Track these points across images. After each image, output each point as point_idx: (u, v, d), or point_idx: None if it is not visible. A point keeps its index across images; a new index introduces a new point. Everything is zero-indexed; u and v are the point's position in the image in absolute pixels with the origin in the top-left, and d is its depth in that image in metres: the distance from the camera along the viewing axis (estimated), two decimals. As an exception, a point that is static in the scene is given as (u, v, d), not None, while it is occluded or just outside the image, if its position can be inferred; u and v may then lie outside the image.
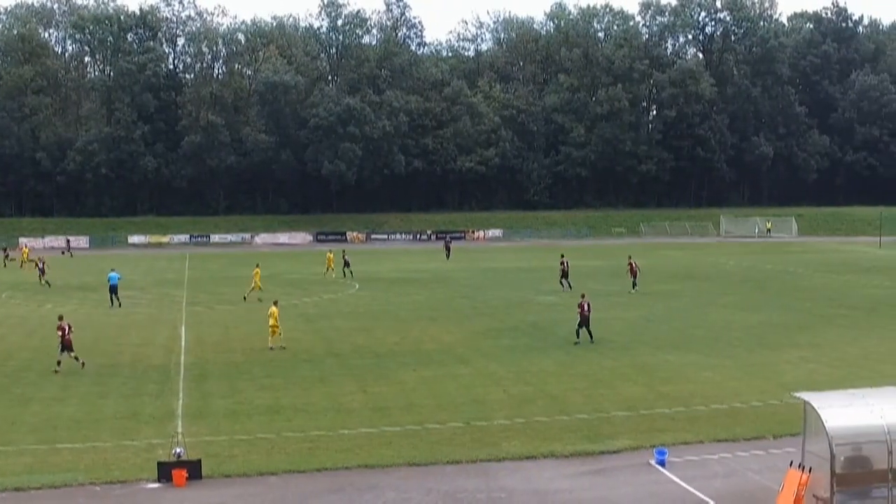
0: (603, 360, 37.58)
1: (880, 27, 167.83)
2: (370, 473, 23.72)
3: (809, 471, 20.32)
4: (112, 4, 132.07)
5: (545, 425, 27.83)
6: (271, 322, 40.17)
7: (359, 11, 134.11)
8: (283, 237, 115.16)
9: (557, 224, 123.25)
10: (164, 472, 23.02)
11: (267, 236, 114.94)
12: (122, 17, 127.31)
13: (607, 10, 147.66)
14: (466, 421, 28.24)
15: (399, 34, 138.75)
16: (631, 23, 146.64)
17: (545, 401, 30.81)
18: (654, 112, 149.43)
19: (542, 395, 31.61)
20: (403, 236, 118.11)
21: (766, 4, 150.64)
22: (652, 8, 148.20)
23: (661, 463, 24.08)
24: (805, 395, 21.46)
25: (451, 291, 51.19)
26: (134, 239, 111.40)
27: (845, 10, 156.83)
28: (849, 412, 20.72)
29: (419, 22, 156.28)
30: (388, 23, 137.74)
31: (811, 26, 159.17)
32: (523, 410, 29.44)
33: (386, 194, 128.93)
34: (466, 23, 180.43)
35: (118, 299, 54.25)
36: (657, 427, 27.57)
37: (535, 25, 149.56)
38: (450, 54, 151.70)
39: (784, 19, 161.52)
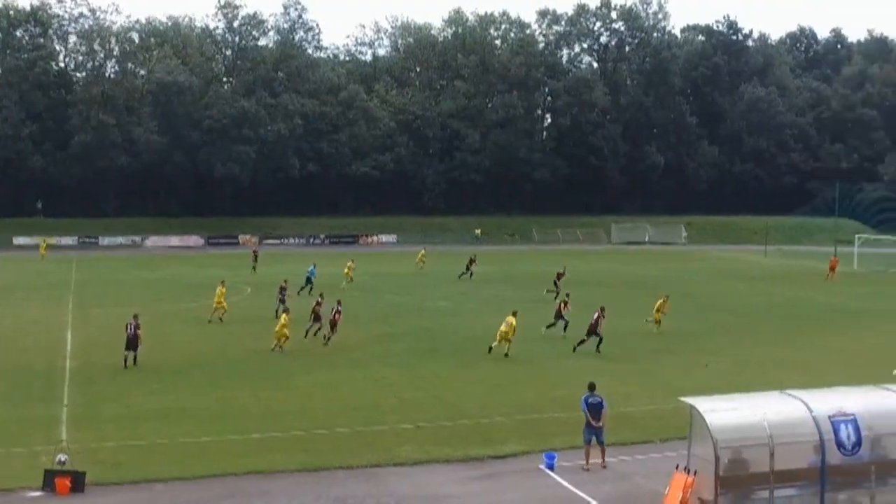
0: (497, 366, 37.83)
1: (769, 41, 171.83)
2: (261, 479, 23.50)
3: (695, 473, 20.73)
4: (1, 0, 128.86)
5: (437, 430, 27.91)
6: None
7: (255, 13, 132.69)
8: (174, 240, 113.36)
9: (452, 229, 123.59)
10: (49, 480, 22.49)
11: (158, 239, 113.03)
12: (11, 13, 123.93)
13: (504, 17, 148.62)
14: (359, 426, 28.17)
15: (296, 37, 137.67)
16: (528, 31, 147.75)
17: (438, 406, 30.90)
18: (549, 120, 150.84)
19: (434, 401, 31.70)
20: (297, 240, 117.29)
21: (660, 16, 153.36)
22: (548, 17, 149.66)
23: (551, 467, 24.31)
24: (691, 400, 21.88)
25: (345, 296, 50.96)
26: (20, 240, 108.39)
27: (736, 24, 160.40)
28: (733, 415, 21.21)
29: (316, 25, 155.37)
30: (285, 25, 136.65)
31: (703, 39, 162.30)
32: (416, 415, 29.47)
33: (280, 198, 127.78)
34: (364, 27, 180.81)
35: None
36: (549, 431, 27.82)
37: (432, 31, 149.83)
38: (347, 58, 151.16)
39: (677, 31, 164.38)
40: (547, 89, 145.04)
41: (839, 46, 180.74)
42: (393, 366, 37.76)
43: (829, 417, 21.15)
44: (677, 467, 21.41)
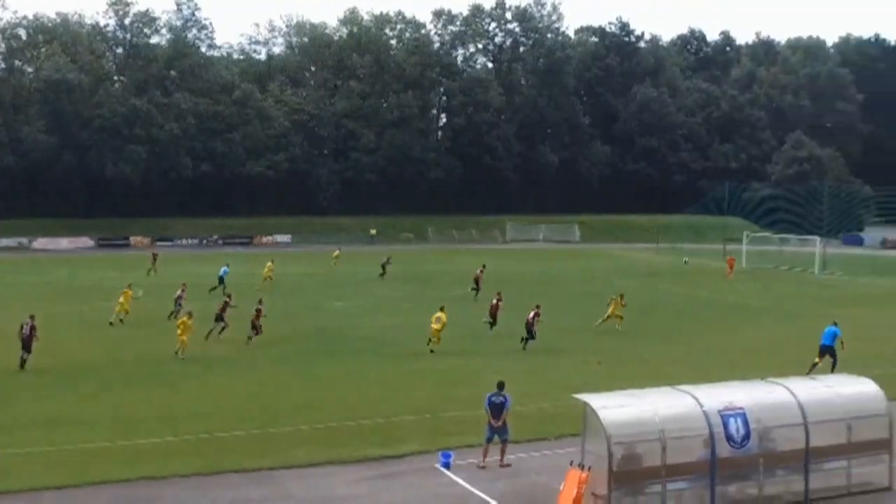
0: (392, 366, 37.84)
1: (660, 43, 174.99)
2: (153, 485, 23.09)
3: (589, 469, 20.96)
4: None
5: (334, 431, 27.77)
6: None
7: (147, 10, 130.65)
8: (64, 242, 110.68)
9: (347, 229, 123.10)
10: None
11: (46, 241, 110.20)
12: None
13: (400, 17, 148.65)
14: (255, 428, 27.88)
15: (189, 35, 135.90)
16: (423, 31, 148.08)
17: (334, 406, 30.74)
18: (444, 119, 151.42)
19: (331, 401, 31.54)
20: (190, 241, 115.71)
21: (554, 18, 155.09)
22: (444, 17, 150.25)
23: (447, 466, 24.39)
24: (585, 397, 22.14)
25: (240, 297, 50.44)
26: None
27: (628, 26, 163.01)
28: (625, 412, 21.53)
29: (210, 23, 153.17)
30: (178, 23, 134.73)
31: (596, 40, 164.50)
32: (312, 416, 29.27)
33: (172, 198, 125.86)
34: (258, 26, 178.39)
35: None
36: (445, 430, 27.90)
37: (327, 31, 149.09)
38: (241, 57, 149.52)
39: (571, 32, 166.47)
40: (442, 89, 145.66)
41: (728, 49, 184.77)
42: (289, 367, 37.51)
43: (719, 412, 21.61)
44: (571, 463, 21.63)
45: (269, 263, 68.11)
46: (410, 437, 27.15)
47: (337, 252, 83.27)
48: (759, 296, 65.57)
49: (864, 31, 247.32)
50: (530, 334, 42.01)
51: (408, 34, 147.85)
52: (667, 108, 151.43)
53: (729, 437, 21.47)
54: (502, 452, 24.85)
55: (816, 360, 36.62)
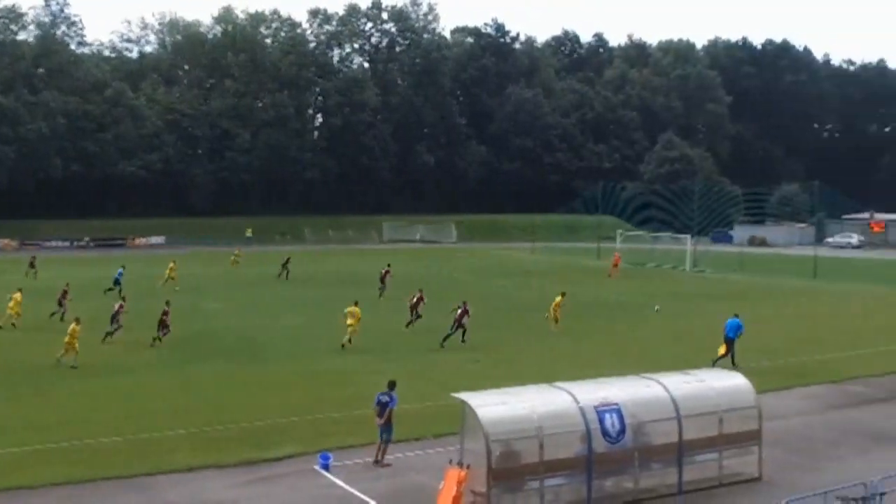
0: (268, 367, 37.49)
1: (535, 44, 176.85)
2: (23, 495, 22.39)
3: (468, 467, 21.07)
4: None
5: (210, 435, 27.38)
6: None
7: (14, 6, 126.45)
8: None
9: (222, 230, 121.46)
10: None
11: None
12: None
13: (275, 16, 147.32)
14: (129, 434, 27.25)
15: (58, 32, 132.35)
16: (298, 30, 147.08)
17: (210, 410, 30.30)
18: (320, 119, 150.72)
19: (206, 405, 31.09)
20: (60, 243, 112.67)
21: (430, 18, 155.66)
22: (319, 16, 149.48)
23: (326, 467, 24.27)
24: (463, 395, 22.26)
25: (112, 300, 49.43)
26: None
27: (503, 27, 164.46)
28: (503, 409, 21.72)
29: (80, 20, 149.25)
30: (46, 19, 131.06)
31: (472, 41, 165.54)
32: (188, 421, 28.78)
33: (41, 200, 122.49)
34: (130, 23, 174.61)
35: None
36: (323, 432, 27.76)
37: (201, 29, 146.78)
38: (112, 55, 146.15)
39: (447, 33, 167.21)
40: (318, 89, 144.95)
41: (601, 50, 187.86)
42: (164, 371, 36.85)
43: (595, 407, 21.95)
44: (451, 462, 21.71)
45: (172, 264, 67.82)
46: (288, 440, 26.94)
47: (237, 252, 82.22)
48: (632, 293, 66.72)
49: (733, 34, 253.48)
50: (458, 327, 42.72)
51: (283, 33, 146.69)
52: (541, 109, 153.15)
53: (605, 433, 21.81)
54: (383, 452, 24.87)
55: (721, 352, 37.80)
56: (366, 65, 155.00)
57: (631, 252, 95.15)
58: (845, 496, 19.28)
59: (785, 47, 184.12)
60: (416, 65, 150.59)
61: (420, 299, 48.44)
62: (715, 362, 36.04)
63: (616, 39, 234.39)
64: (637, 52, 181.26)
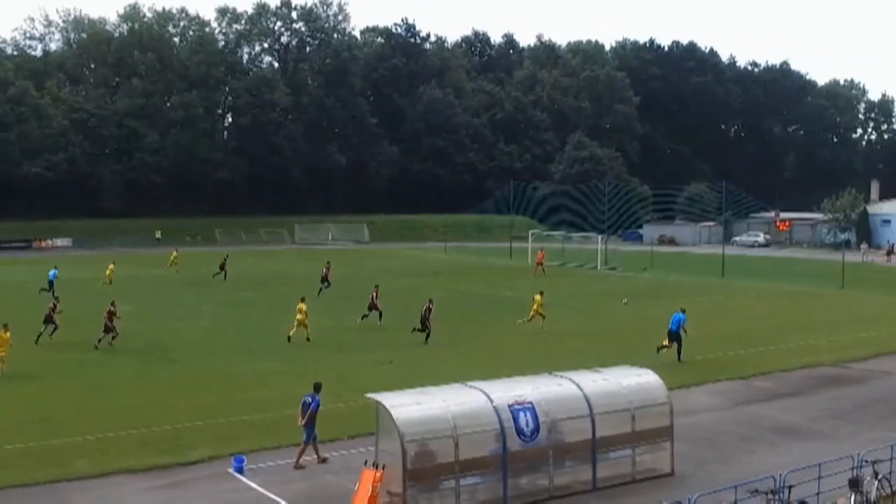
0: (178, 371, 36.99)
1: (446, 44, 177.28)
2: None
3: (383, 468, 21.00)
4: None
5: (120, 440, 26.90)
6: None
7: None
8: None
9: (131, 231, 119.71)
10: None
11: None
12: None
13: (183, 14, 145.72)
14: (33, 441, 26.63)
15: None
16: (207, 29, 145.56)
17: (119, 415, 29.76)
18: (230, 119, 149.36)
19: (115, 410, 30.53)
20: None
21: (340, 18, 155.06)
22: (228, 15, 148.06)
23: (240, 470, 24.01)
24: (377, 396, 22.21)
25: (19, 302, 48.46)
26: None
27: (414, 27, 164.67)
28: (418, 409, 21.70)
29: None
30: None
31: (382, 41, 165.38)
32: (96, 426, 28.21)
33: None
34: (34, 20, 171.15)
35: None
36: (236, 435, 27.46)
37: (107, 27, 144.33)
38: (15, 53, 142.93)
39: (357, 33, 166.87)
40: (227, 88, 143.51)
41: (511, 51, 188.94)
42: (72, 375, 36.14)
43: (509, 406, 22.04)
44: (366, 463, 21.62)
45: (111, 265, 68.71)
46: (200, 443, 26.59)
47: (174, 254, 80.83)
48: (546, 292, 66.98)
49: (640, 36, 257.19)
50: (424, 325, 43.69)
51: (191, 32, 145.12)
52: (452, 109, 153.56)
53: (519, 431, 21.90)
54: (299, 453, 24.71)
55: (664, 343, 39.94)
56: (276, 64, 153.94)
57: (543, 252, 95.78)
58: (755, 489, 19.63)
59: (691, 49, 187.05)
60: (326, 64, 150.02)
61: (374, 303, 49.63)
62: (658, 352, 39.12)
63: (526, 40, 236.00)
64: (546, 52, 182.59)
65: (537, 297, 49.16)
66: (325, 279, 63.64)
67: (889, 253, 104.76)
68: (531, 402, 22.40)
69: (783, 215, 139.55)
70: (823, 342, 45.01)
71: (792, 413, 31.25)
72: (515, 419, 21.93)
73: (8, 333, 36.51)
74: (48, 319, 43.18)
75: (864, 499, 20.99)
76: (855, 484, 20.81)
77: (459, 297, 63.53)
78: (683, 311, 40.37)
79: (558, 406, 23.01)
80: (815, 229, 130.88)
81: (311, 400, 24.95)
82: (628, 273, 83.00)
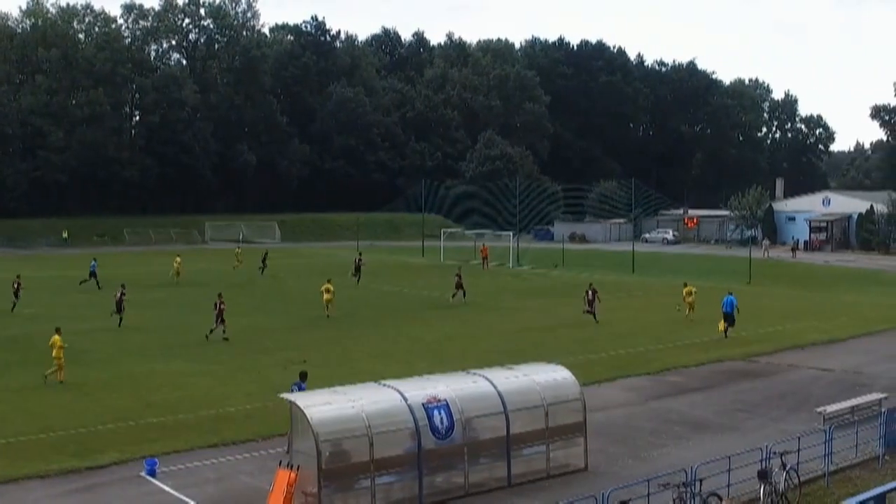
0: (87, 373, 36.37)
1: (356, 42, 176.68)
2: None
3: (297, 469, 20.93)
4: None
5: (27, 444, 26.40)
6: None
7: None
8: None
9: (37, 232, 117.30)
10: None
11: None
12: None
13: (88, 10, 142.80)
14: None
15: None
16: (113, 25, 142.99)
17: (25, 418, 29.22)
18: (138, 117, 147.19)
19: (21, 413, 29.98)
20: None
21: (249, 15, 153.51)
22: (135, 11, 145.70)
23: (152, 473, 23.74)
24: (290, 396, 22.13)
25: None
26: None
27: (324, 25, 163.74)
28: (332, 409, 21.69)
29: None
30: None
31: (292, 39, 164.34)
32: (3, 430, 27.68)
33: None
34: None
35: None
36: (148, 437, 27.12)
37: (9, 23, 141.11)
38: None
39: (266, 31, 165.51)
40: (135, 86, 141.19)
41: (422, 50, 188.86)
42: (-25, 378, 35.39)
43: (423, 404, 22.12)
44: (280, 463, 21.55)
45: (178, 258, 74.13)
46: (112, 446, 26.21)
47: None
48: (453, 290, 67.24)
49: (550, 35, 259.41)
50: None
51: (97, 28, 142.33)
52: (363, 108, 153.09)
53: (434, 429, 21.99)
54: None
55: (721, 325, 45.76)
56: (184, 62, 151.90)
57: (454, 250, 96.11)
58: (667, 483, 19.94)
59: (600, 48, 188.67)
60: (235, 62, 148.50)
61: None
62: (726, 335, 45.33)
63: (436, 39, 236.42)
64: (457, 51, 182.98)
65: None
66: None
67: (794, 249, 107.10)
68: (446, 400, 22.50)
69: (691, 212, 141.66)
70: (733, 337, 45.82)
71: (702, 407, 31.80)
72: (430, 417, 22.01)
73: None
74: (119, 306, 48.49)
75: (773, 489, 21.47)
76: (764, 475, 21.28)
77: (373, 296, 63.48)
78: (731, 294, 46.59)
79: (473, 404, 23.13)
80: (723, 226, 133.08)
81: (297, 389, 24.91)
82: (539, 270, 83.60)
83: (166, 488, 22.97)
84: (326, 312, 51.85)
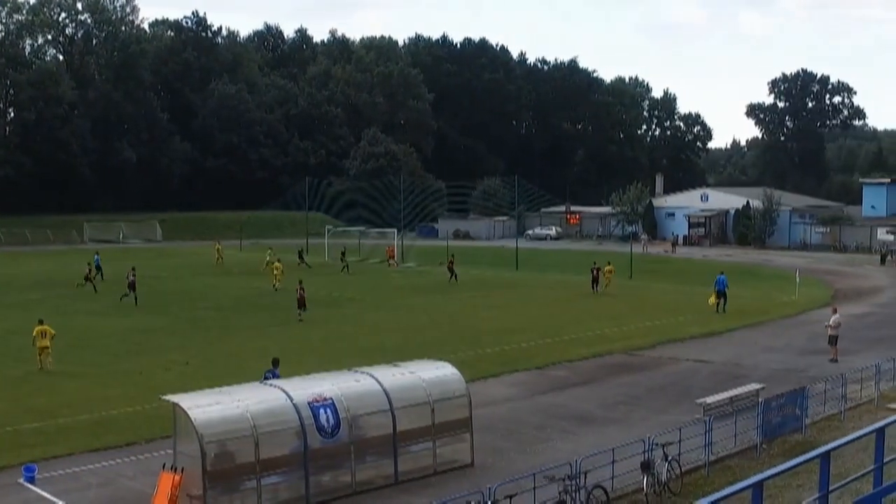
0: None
1: (238, 39, 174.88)
2: None
3: (181, 471, 20.68)
4: None
5: None
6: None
7: None
8: None
9: None
10: None
11: None
12: None
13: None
14: None
15: None
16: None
17: None
18: (13, 114, 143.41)
19: None
20: None
21: (128, 10, 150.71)
22: (9, 5, 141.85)
23: (31, 480, 23.17)
24: (174, 397, 21.85)
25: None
26: None
27: (205, 21, 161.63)
28: (216, 409, 21.50)
29: None
30: None
31: (172, 34, 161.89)
32: None
33: None
34: None
35: None
36: (26, 443, 26.48)
37: None
38: None
39: (146, 26, 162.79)
40: (9, 81, 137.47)
41: (305, 46, 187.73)
42: None
43: (309, 403, 22.07)
44: (164, 466, 21.26)
45: (218, 245, 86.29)
46: (-13, 452, 25.53)
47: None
48: (343, 288, 67.16)
49: (433, 33, 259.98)
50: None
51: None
52: (246, 105, 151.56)
53: (320, 428, 21.94)
54: None
55: (712, 299, 52.70)
56: (60, 57, 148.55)
57: (339, 248, 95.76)
58: (553, 476, 20.21)
59: (482, 46, 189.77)
60: (114, 58, 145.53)
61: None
62: (718, 309, 52.36)
63: (319, 35, 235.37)
64: (340, 48, 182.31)
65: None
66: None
67: (673, 244, 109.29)
68: (331, 399, 22.46)
69: (574, 209, 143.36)
70: (615, 331, 46.62)
71: (586, 401, 32.27)
72: (316, 416, 21.95)
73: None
74: (132, 287, 55.46)
75: (656, 480, 21.94)
76: (647, 466, 21.74)
77: (255, 294, 62.96)
78: (723, 273, 53.72)
79: (358, 402, 23.14)
80: (604, 222, 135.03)
81: (271, 376, 24.64)
82: (423, 267, 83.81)
83: (46, 495, 22.46)
84: (275, 283, 62.75)
